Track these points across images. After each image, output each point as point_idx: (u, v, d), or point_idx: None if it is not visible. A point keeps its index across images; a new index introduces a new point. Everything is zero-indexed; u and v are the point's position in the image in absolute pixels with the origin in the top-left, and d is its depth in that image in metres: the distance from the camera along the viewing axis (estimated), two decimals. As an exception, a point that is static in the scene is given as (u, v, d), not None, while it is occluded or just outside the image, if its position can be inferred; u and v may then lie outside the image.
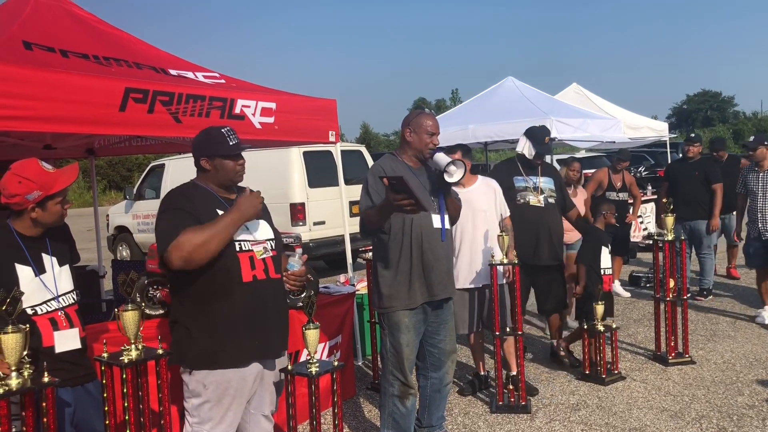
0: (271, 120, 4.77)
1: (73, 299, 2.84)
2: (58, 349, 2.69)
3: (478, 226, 4.58)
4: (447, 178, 3.45)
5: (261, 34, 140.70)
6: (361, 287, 5.68)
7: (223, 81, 4.90)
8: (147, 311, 4.00)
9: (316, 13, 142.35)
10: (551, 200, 5.18)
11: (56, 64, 3.85)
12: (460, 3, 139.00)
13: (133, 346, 2.56)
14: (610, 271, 5.35)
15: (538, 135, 5.16)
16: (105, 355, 2.54)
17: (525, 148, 5.17)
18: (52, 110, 3.53)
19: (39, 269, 2.72)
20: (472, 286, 4.59)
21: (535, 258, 5.10)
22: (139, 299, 4.09)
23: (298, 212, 9.48)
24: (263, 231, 2.98)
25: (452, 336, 3.85)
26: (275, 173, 9.40)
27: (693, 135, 8.11)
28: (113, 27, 5.08)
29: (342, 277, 6.01)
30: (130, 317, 2.55)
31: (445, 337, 3.78)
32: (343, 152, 6.73)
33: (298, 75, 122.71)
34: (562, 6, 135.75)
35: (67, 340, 2.73)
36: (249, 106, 4.60)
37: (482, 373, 4.98)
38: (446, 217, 3.65)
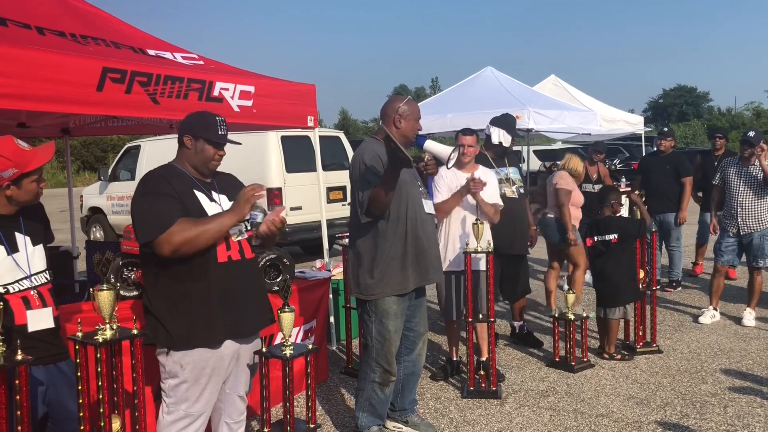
0: (249, 103, 4.75)
1: (46, 278, 2.82)
2: (31, 328, 2.68)
3: (455, 215, 4.67)
4: (448, 164, 3.59)
5: (240, 16, 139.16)
6: (337, 272, 5.71)
7: (201, 62, 4.87)
8: (121, 292, 4.00)
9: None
10: (521, 190, 5.39)
11: (32, 41, 3.79)
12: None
13: (107, 325, 2.57)
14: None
15: (509, 121, 5.34)
16: (79, 334, 2.55)
17: (501, 136, 5.29)
18: (27, 88, 3.47)
19: (12, 248, 2.69)
20: (458, 269, 4.67)
21: (511, 248, 5.27)
22: (113, 280, 4.09)
23: (275, 197, 9.45)
24: None
25: (425, 318, 3.92)
26: (252, 157, 9.36)
27: (666, 129, 8.28)
28: (91, 5, 5.01)
29: (318, 263, 6.04)
30: (105, 297, 2.56)
31: (420, 319, 3.85)
32: (321, 138, 6.72)
33: (277, 59, 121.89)
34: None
35: (40, 320, 2.72)
36: (228, 89, 4.58)
37: (455, 358, 5.05)
38: (431, 203, 3.75)
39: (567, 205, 6.28)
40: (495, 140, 5.32)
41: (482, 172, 4.74)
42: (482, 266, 4.59)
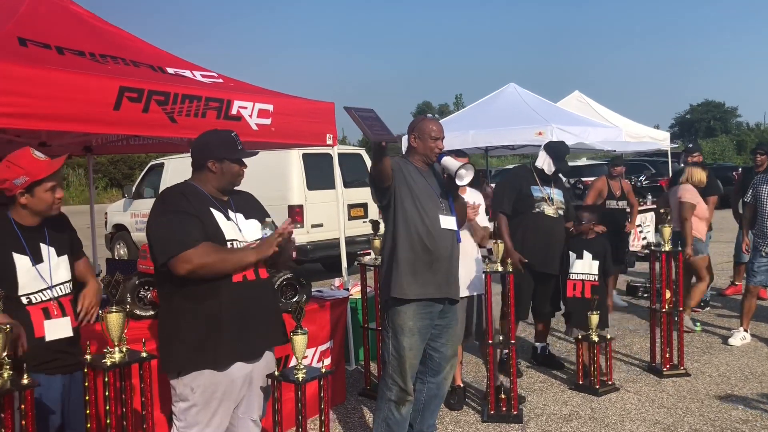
0: (268, 122, 4.74)
1: (70, 289, 2.85)
2: (49, 337, 2.69)
3: (466, 235, 4.55)
4: (458, 181, 3.49)
5: (264, 34, 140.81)
6: (355, 292, 5.65)
7: (221, 81, 4.88)
8: (137, 312, 3.98)
9: (321, 15, 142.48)
10: (561, 212, 5.39)
11: (51, 60, 3.82)
12: (465, 8, 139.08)
13: (116, 348, 2.54)
14: (586, 276, 5.26)
15: (559, 152, 5.38)
16: (88, 357, 2.51)
17: (545, 164, 5.37)
18: (45, 107, 3.50)
19: (36, 259, 2.73)
20: (467, 294, 4.57)
21: (544, 266, 5.31)
22: (129, 299, 4.07)
23: (296, 214, 9.43)
24: (254, 231, 2.98)
25: (454, 341, 3.84)
26: (274, 174, 9.37)
27: (690, 145, 8.08)
28: (111, 25, 5.06)
29: (337, 281, 5.98)
30: (114, 319, 2.53)
31: (447, 341, 3.76)
32: (342, 155, 6.71)
33: (301, 77, 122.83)
34: (566, 14, 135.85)
35: (58, 328, 2.73)
36: (246, 108, 4.57)
37: (459, 384, 4.90)
38: (453, 219, 3.67)
39: (689, 219, 6.39)
40: (539, 164, 5.40)
41: (471, 195, 4.66)
42: (482, 289, 4.53)
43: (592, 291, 5.19)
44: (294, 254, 3.39)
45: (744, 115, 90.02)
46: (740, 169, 8.79)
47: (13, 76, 3.38)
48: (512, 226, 5.29)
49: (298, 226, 9.34)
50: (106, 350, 2.51)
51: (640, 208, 10.09)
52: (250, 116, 4.61)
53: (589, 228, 5.27)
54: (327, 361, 4.58)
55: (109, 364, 2.47)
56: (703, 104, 66.99)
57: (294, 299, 4.22)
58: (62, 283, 2.80)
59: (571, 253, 5.28)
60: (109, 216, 12.96)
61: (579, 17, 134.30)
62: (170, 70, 4.62)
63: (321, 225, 9.58)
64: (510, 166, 20.93)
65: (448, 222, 3.63)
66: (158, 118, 4.01)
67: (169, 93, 4.06)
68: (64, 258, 2.84)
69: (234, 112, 4.47)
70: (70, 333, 2.76)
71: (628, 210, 7.83)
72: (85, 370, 2.49)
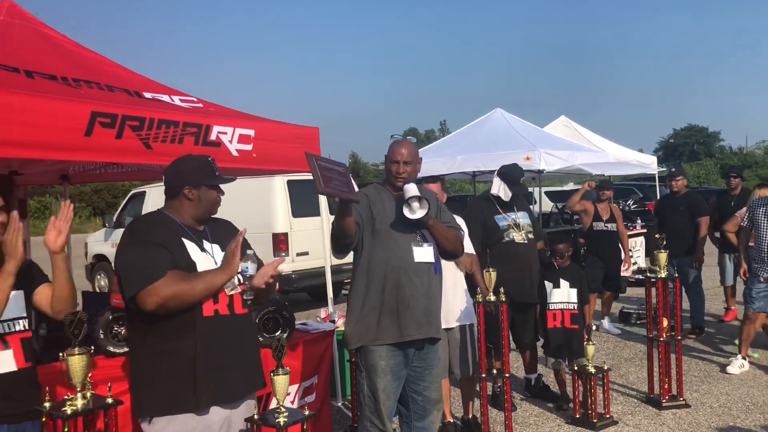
0: (249, 147, 4.55)
1: (24, 327, 2.62)
2: None
3: (448, 264, 4.34)
4: (406, 212, 3.24)
5: (252, 61, 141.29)
6: (342, 323, 5.42)
7: (200, 105, 4.70)
8: (111, 348, 3.76)
9: (307, 41, 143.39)
10: (530, 235, 5.16)
11: (19, 84, 3.63)
12: (449, 34, 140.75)
13: (79, 394, 2.31)
14: (564, 306, 5.11)
15: (513, 176, 5.14)
16: (47, 404, 2.29)
17: (501, 190, 5.12)
18: (10, 134, 3.30)
19: None
20: (456, 325, 4.38)
21: (521, 295, 5.01)
22: (102, 335, 3.85)
23: (280, 242, 9.21)
24: None
25: (438, 383, 3.57)
26: (258, 202, 9.16)
27: (674, 169, 8.02)
28: (88, 49, 4.88)
29: (322, 312, 5.76)
30: (77, 362, 2.30)
31: (430, 384, 3.48)
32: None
33: (285, 102, 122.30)
34: (552, 40, 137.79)
35: None
36: (226, 133, 4.38)
37: (470, 416, 4.72)
38: (431, 249, 3.41)
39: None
40: (494, 191, 5.16)
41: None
42: (473, 319, 4.36)
43: (571, 320, 5.03)
44: (277, 287, 3.18)
45: (727, 138, 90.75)
46: (714, 195, 8.73)
47: (-24, 101, 3.19)
48: (483, 260, 4.82)
49: (283, 254, 9.12)
50: (66, 397, 2.29)
51: (629, 233, 9.99)
52: (230, 142, 4.41)
53: (565, 253, 5.15)
54: (311, 398, 4.35)
55: (69, 412, 2.24)
56: (686, 128, 67.65)
57: (276, 333, 4.01)
58: (12, 320, 2.57)
59: (546, 283, 5.13)
60: (89, 246, 12.67)
61: (563, 43, 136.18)
62: (147, 95, 4.44)
63: (306, 253, 9.35)
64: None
65: (422, 254, 3.37)
66: (132, 144, 3.80)
67: (144, 118, 3.87)
68: (18, 294, 2.61)
69: (213, 137, 4.28)
70: (12, 367, 2.51)
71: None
72: (44, 419, 2.26)
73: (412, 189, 3.29)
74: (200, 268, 2.66)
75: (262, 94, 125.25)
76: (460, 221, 4.53)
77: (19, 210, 6.24)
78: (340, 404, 5.33)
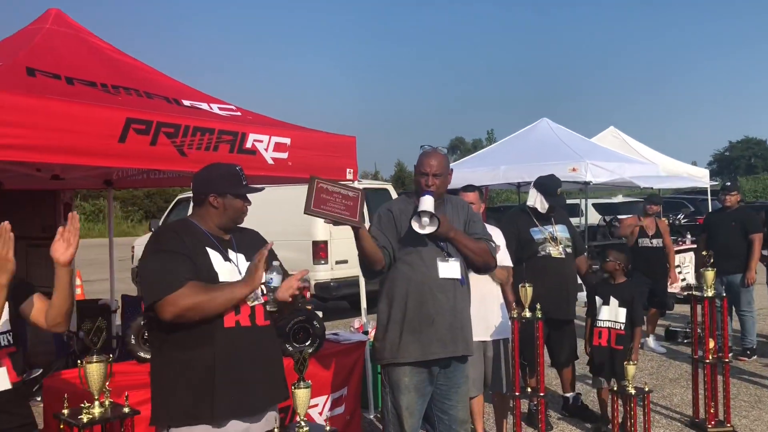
0: (284, 156, 4.55)
1: (8, 341, 2.53)
2: None
3: (481, 277, 4.20)
4: (415, 225, 3.10)
5: (298, 68, 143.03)
6: (374, 334, 5.36)
7: (239, 114, 4.73)
8: (142, 354, 3.80)
9: (354, 50, 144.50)
10: (569, 249, 4.97)
11: (58, 91, 3.70)
12: (498, 45, 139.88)
13: (96, 402, 2.30)
14: (611, 324, 4.86)
15: (549, 187, 4.95)
16: (65, 411, 2.28)
17: (537, 201, 4.95)
18: (46, 139, 3.36)
19: None
20: (489, 339, 4.26)
21: (558, 312, 4.84)
22: (134, 341, 3.89)
23: (320, 250, 9.22)
24: None
25: (465, 402, 3.47)
26: (298, 210, 9.16)
27: (728, 183, 7.67)
28: (130, 57, 4.97)
29: (356, 322, 5.70)
30: (94, 370, 2.29)
31: (457, 402, 3.38)
32: (369, 190, 6.49)
33: (322, 112, 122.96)
34: (602, 50, 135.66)
35: None
36: (261, 141, 4.39)
37: None
38: (458, 264, 3.30)
39: None
40: (530, 203, 4.99)
41: (491, 232, 4.32)
42: (508, 334, 4.20)
43: (617, 340, 4.82)
44: (308, 294, 3.13)
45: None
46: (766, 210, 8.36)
47: (15, 107, 3.25)
48: (518, 274, 4.52)
49: (323, 263, 9.13)
50: (83, 405, 2.28)
51: (678, 248, 9.67)
52: (266, 150, 4.42)
53: (615, 268, 4.91)
54: (340, 410, 4.29)
55: (85, 420, 2.23)
56: (743, 141, 65.64)
57: (306, 343, 3.97)
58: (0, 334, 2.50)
59: (597, 298, 4.92)
60: (136, 250, 12.91)
61: (614, 52, 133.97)
62: (186, 102, 4.49)
63: (346, 261, 9.33)
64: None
65: (448, 270, 3.25)
66: (167, 150, 3.84)
67: (179, 125, 3.90)
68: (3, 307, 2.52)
69: (249, 145, 4.29)
70: (7, 385, 2.45)
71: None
72: (61, 426, 2.25)
73: (426, 202, 3.15)
74: (222, 278, 2.62)
75: (300, 102, 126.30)
76: (498, 233, 4.42)
77: (63, 213, 6.39)
78: (371, 417, 5.25)
